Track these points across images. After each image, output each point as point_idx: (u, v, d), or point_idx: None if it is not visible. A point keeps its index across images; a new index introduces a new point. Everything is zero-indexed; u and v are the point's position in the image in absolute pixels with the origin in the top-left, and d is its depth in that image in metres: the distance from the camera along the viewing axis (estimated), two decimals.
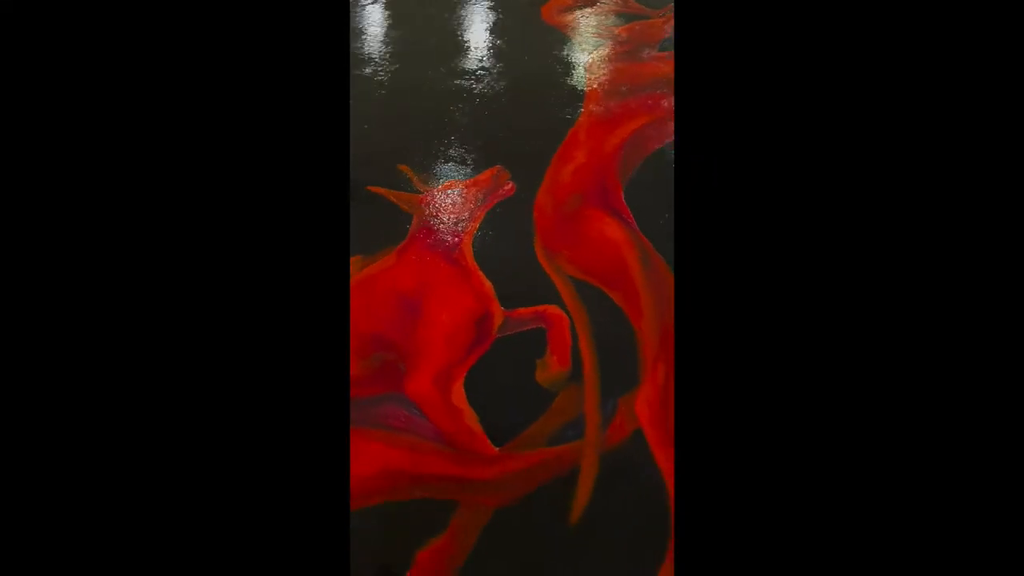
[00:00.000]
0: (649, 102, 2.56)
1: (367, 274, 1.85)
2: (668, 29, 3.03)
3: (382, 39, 3.05)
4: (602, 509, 1.34)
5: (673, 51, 2.69)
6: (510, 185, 2.17)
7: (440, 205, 2.09)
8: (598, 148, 2.36)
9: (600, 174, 2.24)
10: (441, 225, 2.01)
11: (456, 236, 1.97)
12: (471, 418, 1.50)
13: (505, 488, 1.38)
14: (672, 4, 3.13)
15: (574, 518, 1.33)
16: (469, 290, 1.80)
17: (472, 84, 2.70)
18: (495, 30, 3.12)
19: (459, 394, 1.55)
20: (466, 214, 2.06)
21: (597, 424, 1.49)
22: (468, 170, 2.24)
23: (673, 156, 2.26)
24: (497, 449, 1.45)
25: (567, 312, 1.75)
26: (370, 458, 1.41)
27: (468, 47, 2.98)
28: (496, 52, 2.94)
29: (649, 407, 1.53)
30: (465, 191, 2.15)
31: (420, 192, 2.13)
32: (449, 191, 2.14)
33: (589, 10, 3.20)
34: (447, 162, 2.29)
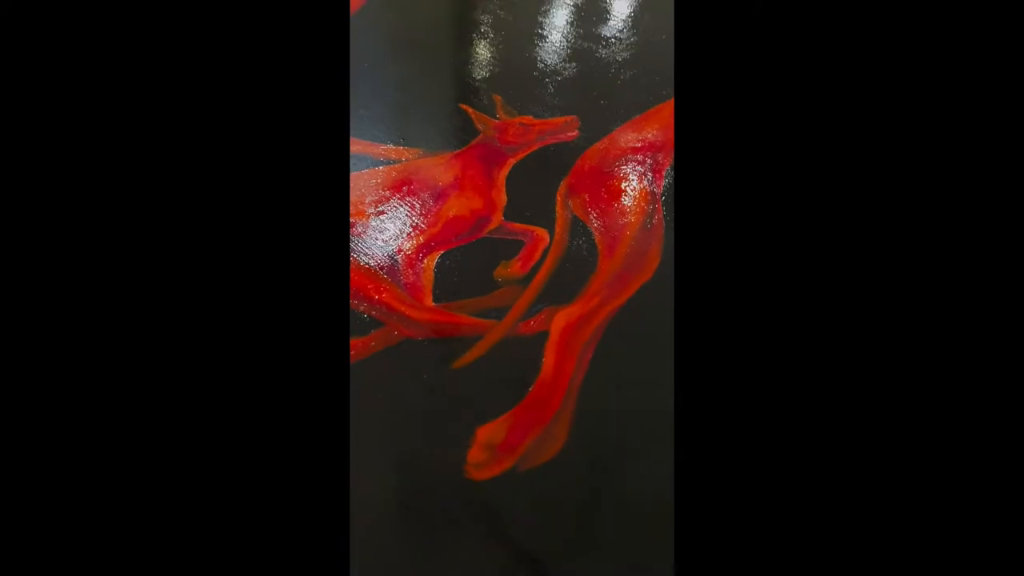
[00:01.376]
0: None
1: (422, 162, 2.29)
2: None
3: None
4: (477, 368, 1.66)
5: None
6: (575, 132, 2.45)
7: (504, 132, 2.45)
8: (672, 129, 2.52)
9: (658, 148, 2.42)
10: (497, 147, 2.38)
11: (503, 158, 2.33)
12: (428, 279, 1.88)
13: (421, 328, 1.75)
14: None
15: (454, 365, 1.66)
16: (486, 197, 2.16)
17: (597, 48, 2.97)
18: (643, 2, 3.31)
19: (431, 261, 1.94)
20: (522, 144, 2.39)
21: (517, 316, 1.79)
22: (549, 114, 2.56)
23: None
24: (433, 304, 1.81)
25: (551, 237, 2.03)
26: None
27: (609, 13, 3.23)
28: (635, 22, 3.15)
29: (566, 320, 1.78)
30: (532, 127, 2.47)
31: (496, 119, 2.50)
32: (519, 123, 2.49)
33: None
34: (535, 103, 2.62)
